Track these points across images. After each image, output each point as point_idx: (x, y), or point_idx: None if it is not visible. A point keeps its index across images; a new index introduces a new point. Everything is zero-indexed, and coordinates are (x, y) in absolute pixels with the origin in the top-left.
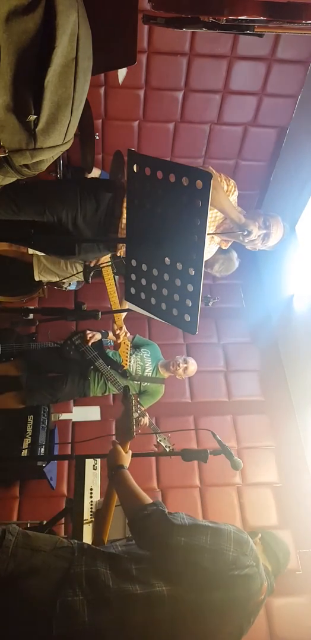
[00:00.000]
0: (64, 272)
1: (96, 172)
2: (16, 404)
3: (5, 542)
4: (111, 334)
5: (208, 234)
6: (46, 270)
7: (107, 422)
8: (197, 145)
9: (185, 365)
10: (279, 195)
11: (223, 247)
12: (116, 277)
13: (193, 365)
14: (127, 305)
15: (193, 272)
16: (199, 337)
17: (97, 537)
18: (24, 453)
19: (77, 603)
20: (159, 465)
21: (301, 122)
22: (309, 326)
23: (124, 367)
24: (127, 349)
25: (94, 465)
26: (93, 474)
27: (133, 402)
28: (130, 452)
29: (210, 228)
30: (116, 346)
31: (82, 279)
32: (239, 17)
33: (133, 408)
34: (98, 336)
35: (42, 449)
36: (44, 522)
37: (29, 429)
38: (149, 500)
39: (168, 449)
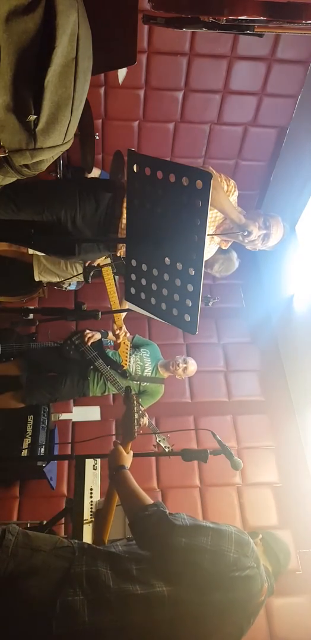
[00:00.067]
0: (64, 272)
1: (96, 172)
2: (16, 403)
3: (5, 542)
4: (110, 334)
5: (208, 234)
6: (46, 271)
7: (107, 422)
8: (197, 145)
9: (185, 365)
10: (279, 195)
11: (223, 247)
12: (116, 277)
13: (192, 365)
14: (127, 305)
15: (193, 272)
16: (199, 337)
17: (97, 537)
18: (24, 453)
19: (77, 603)
20: (159, 466)
21: (301, 122)
22: (309, 326)
23: (123, 367)
24: (127, 349)
25: (94, 465)
26: (93, 474)
27: (135, 403)
28: (131, 453)
29: (210, 228)
30: (116, 346)
31: (82, 279)
32: (239, 17)
33: (135, 409)
34: (98, 336)
35: (42, 449)
36: (44, 522)
37: (29, 429)
38: (150, 501)
39: (167, 449)
